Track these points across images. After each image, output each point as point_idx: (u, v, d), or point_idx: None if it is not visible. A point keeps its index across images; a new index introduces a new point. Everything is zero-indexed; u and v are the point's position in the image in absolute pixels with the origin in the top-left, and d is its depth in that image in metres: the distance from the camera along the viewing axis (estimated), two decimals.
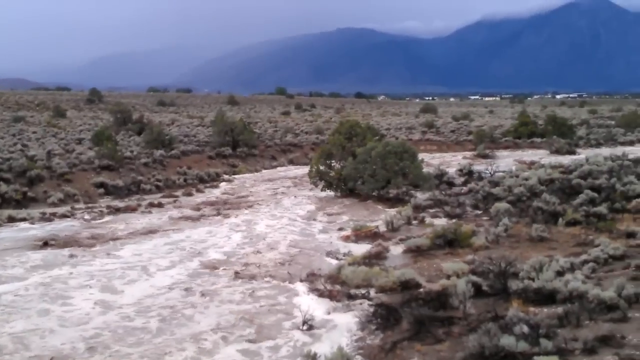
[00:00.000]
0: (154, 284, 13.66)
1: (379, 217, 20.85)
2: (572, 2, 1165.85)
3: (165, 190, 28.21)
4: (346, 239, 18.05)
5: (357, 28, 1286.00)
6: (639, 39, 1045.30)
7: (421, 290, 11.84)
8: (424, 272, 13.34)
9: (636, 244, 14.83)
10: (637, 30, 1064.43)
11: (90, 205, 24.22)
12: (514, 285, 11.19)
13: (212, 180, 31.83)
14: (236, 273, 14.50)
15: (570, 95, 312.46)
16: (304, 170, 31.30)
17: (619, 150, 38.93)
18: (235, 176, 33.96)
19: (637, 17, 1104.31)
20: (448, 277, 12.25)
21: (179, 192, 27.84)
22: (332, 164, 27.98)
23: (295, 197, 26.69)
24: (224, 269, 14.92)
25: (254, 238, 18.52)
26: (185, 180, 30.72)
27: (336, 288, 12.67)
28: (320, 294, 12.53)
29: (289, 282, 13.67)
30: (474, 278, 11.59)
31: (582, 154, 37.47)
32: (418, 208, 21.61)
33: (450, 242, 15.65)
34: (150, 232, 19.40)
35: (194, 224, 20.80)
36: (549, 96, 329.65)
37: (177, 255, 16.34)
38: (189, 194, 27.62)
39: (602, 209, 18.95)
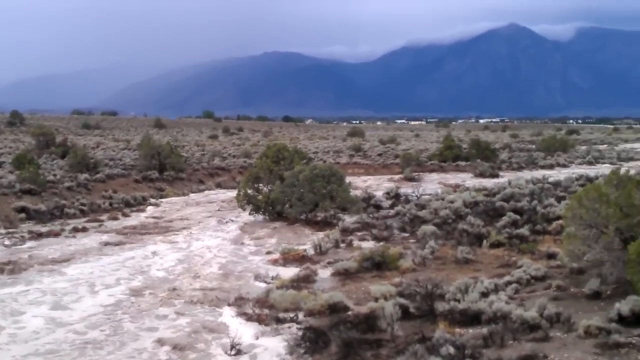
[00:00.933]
0: (72, 313, 13.28)
1: (307, 240, 20.86)
2: (492, 29, 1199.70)
3: (90, 215, 27.57)
4: (274, 262, 17.99)
5: (284, 52, 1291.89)
6: (556, 66, 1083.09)
7: (349, 313, 11.88)
8: (352, 295, 13.39)
9: (556, 264, 15.25)
10: (554, 58, 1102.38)
11: (10, 230, 23.45)
12: (441, 306, 11.35)
13: (139, 204, 31.27)
14: (162, 298, 14.27)
15: (493, 120, 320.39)
16: (232, 193, 31.12)
17: (539, 173, 40.16)
18: (163, 200, 33.46)
19: (555, 44, 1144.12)
20: (376, 299, 12.33)
21: (104, 217, 27.26)
22: (260, 188, 27.89)
23: (223, 221, 26.47)
24: (150, 294, 14.67)
25: (181, 262, 18.29)
26: (110, 204, 30.10)
27: (264, 312, 12.60)
28: (249, 318, 12.45)
29: (217, 307, 13.53)
30: (402, 300, 11.69)
31: (505, 177, 38.41)
32: (346, 231, 21.71)
33: (378, 265, 15.76)
34: (74, 257, 18.93)
35: (119, 248, 20.40)
36: (473, 120, 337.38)
37: (99, 281, 15.98)
38: (115, 218, 27.08)
39: (525, 230, 19.46)
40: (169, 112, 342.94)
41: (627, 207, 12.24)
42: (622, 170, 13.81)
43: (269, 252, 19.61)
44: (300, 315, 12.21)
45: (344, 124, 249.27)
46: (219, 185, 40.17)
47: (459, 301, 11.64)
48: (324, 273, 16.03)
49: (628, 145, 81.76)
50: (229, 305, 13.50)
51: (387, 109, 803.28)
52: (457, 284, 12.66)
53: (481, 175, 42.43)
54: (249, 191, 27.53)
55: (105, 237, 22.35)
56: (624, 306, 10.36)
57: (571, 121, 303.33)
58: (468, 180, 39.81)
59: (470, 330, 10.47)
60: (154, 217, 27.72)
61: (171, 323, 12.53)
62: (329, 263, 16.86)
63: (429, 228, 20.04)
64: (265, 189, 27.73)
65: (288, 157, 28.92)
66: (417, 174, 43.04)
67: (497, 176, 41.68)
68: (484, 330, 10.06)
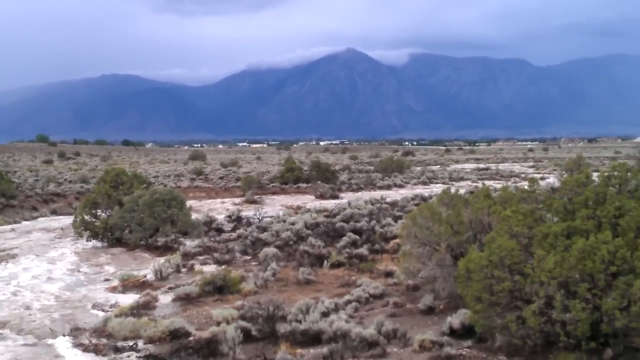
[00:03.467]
0: None
1: (148, 266, 20.36)
2: (331, 54, 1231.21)
3: None
4: (113, 289, 17.41)
5: (123, 74, 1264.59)
6: (391, 90, 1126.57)
7: (191, 338, 11.70)
8: (193, 320, 13.21)
9: (394, 282, 15.78)
10: (390, 82, 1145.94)
11: None
12: (282, 328, 11.41)
13: None
14: None
15: (333, 142, 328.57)
16: (69, 220, 29.84)
17: (377, 194, 41.35)
18: None
19: (390, 69, 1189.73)
20: (218, 323, 12.24)
21: None
22: (98, 214, 26.97)
23: (58, 248, 25.33)
24: None
25: (12, 292, 17.29)
26: None
27: (102, 341, 12.15)
28: (85, 349, 11.94)
29: (51, 338, 12.89)
30: (243, 323, 11.66)
31: (345, 198, 39.29)
32: (187, 255, 21.40)
33: (220, 289, 15.65)
34: None
35: None
36: (314, 143, 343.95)
37: None
38: None
39: (364, 250, 20.00)
40: None
41: (457, 225, 12.87)
42: (452, 190, 14.52)
43: (107, 280, 18.96)
44: (140, 343, 11.87)
45: (185, 147, 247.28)
46: (54, 212, 38.37)
47: (300, 322, 11.76)
48: (165, 299, 15.71)
49: (459, 166, 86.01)
50: (64, 336, 12.89)
51: (228, 132, 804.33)
52: (299, 304, 12.78)
53: (322, 196, 43.12)
54: (87, 217, 26.53)
55: None
56: (455, 319, 10.88)
57: (407, 143, 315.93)
58: (309, 201, 40.38)
59: (312, 350, 10.59)
60: None
61: None
62: (170, 288, 16.54)
63: (270, 250, 20.15)
64: (103, 214, 26.84)
65: (127, 181, 28.20)
66: (258, 196, 43.13)
67: (337, 197, 42.49)
68: (325, 349, 10.21)
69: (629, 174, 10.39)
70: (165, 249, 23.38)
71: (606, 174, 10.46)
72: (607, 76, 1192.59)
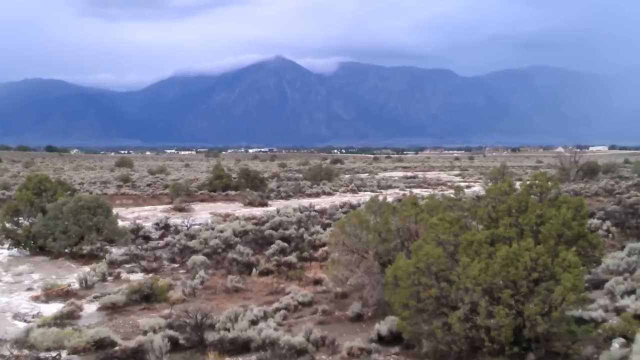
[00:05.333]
0: None
1: (72, 274, 19.91)
2: (260, 61, 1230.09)
3: None
4: (36, 299, 16.96)
5: (47, 79, 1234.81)
6: (320, 98, 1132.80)
7: (116, 348, 11.50)
8: (120, 330, 12.99)
9: (322, 289, 15.86)
10: (319, 90, 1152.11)
11: None
12: (211, 336, 11.34)
13: None
14: None
15: (262, 150, 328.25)
16: None
17: (306, 201, 41.41)
18: None
19: (319, 77, 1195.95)
20: (145, 333, 12.07)
21: None
22: (20, 221, 26.23)
23: None
24: None
25: None
26: None
27: (24, 353, 11.82)
28: None
29: None
30: (171, 332, 11.53)
31: (274, 206, 39.23)
32: (114, 264, 21.03)
33: (147, 297, 15.44)
34: None
35: None
36: (243, 150, 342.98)
37: None
38: None
39: (292, 258, 20.04)
40: None
41: (384, 233, 13.03)
42: (380, 198, 14.70)
43: (29, 289, 18.45)
44: (64, 354, 11.60)
45: (112, 154, 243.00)
46: None
47: (228, 330, 11.70)
48: (90, 308, 15.39)
49: (387, 174, 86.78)
50: None
51: (156, 138, 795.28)
52: (227, 313, 12.73)
53: (250, 204, 42.96)
54: (8, 225, 25.78)
55: None
56: (382, 326, 11.01)
57: (335, 151, 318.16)
58: (238, 209, 40.18)
59: (240, 359, 10.56)
60: None
61: None
62: (95, 297, 16.20)
63: (199, 258, 19.98)
64: (26, 222, 26.12)
65: (51, 188, 27.53)
66: (187, 204, 42.67)
67: (266, 205, 42.40)
68: (253, 358, 10.21)
69: (549, 183, 10.71)
70: (91, 258, 22.90)
71: (528, 182, 10.76)
72: (530, 87, 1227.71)
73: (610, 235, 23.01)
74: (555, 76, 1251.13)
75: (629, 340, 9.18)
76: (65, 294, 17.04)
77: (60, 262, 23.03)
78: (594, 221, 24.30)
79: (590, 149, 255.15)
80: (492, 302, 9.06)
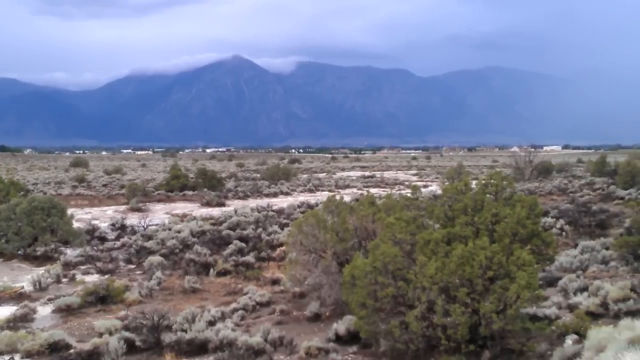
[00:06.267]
0: None
1: (26, 276, 19.59)
2: (217, 61, 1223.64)
3: None
4: None
5: None
6: (278, 97, 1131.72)
7: (71, 351, 11.35)
8: (75, 332, 12.82)
9: (280, 289, 15.86)
10: (276, 89, 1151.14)
11: None
12: (168, 338, 11.25)
13: None
14: None
15: (220, 149, 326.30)
16: None
17: (264, 201, 41.34)
18: None
19: (276, 77, 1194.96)
20: (100, 335, 11.95)
21: None
22: None
23: None
24: None
25: None
26: None
27: None
28: None
29: None
30: (127, 334, 11.43)
31: (232, 206, 39.08)
32: (68, 265, 20.75)
33: (102, 299, 15.28)
34: None
35: None
36: (200, 150, 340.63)
37: None
38: None
39: (250, 258, 20.03)
40: None
41: (342, 232, 13.07)
42: (338, 198, 14.73)
43: None
44: (17, 358, 11.41)
45: (67, 153, 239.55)
46: None
47: (186, 331, 11.64)
48: (45, 310, 15.17)
49: (345, 174, 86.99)
50: None
51: (112, 138, 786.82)
52: (184, 313, 12.66)
53: (208, 204, 42.73)
54: None
55: None
56: (340, 326, 11.04)
57: (293, 150, 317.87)
58: (195, 209, 39.93)
59: None
60: None
61: None
62: (49, 300, 15.97)
63: (155, 259, 19.83)
64: None
65: (3, 189, 27.15)
66: (143, 204, 42.30)
67: (223, 205, 42.21)
68: (211, 358, 10.17)
69: (504, 182, 10.84)
70: (45, 259, 22.56)
71: (483, 182, 10.89)
72: (486, 88, 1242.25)
73: (564, 233, 23.41)
74: (510, 77, 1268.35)
75: (581, 336, 9.34)
76: (18, 297, 16.77)
77: (13, 264, 22.65)
78: (548, 220, 24.69)
79: (545, 148, 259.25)
80: (448, 300, 9.15)
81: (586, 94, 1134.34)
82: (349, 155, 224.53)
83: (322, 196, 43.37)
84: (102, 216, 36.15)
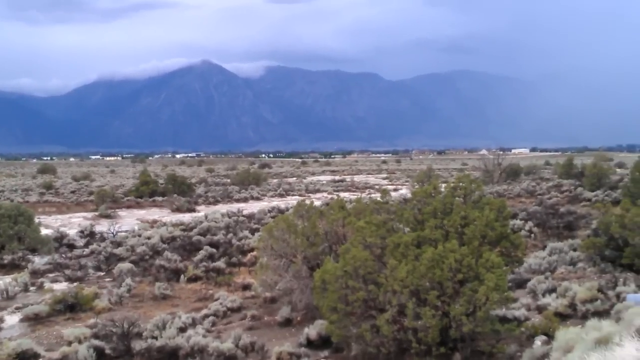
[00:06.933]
0: None
1: None
2: (186, 65, 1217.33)
3: None
4: None
5: None
6: (248, 102, 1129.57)
7: None
8: (43, 341, 12.68)
9: (251, 295, 15.82)
10: (246, 94, 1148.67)
11: None
12: (138, 345, 11.18)
13: None
14: None
15: (189, 155, 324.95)
16: None
17: (234, 207, 41.24)
18: None
19: (246, 82, 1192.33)
20: (69, 343, 11.82)
21: None
22: None
23: None
24: None
25: None
26: None
27: None
28: None
29: None
30: (97, 342, 11.33)
31: (202, 212, 38.94)
32: (36, 273, 20.51)
33: (71, 307, 15.13)
34: None
35: None
36: (170, 155, 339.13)
37: None
38: None
39: (221, 263, 19.96)
40: None
41: (312, 237, 13.09)
42: (308, 202, 14.75)
43: None
44: None
45: (34, 160, 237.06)
46: None
47: (156, 338, 11.56)
48: (12, 319, 14.98)
49: (315, 178, 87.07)
50: None
51: (80, 144, 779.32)
52: (155, 320, 12.58)
53: (178, 210, 42.55)
54: None
55: None
56: (312, 330, 11.05)
57: (263, 155, 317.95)
58: (165, 215, 39.73)
59: None
60: None
61: None
62: (17, 308, 15.77)
63: (125, 265, 19.68)
64: None
65: None
66: (113, 210, 41.99)
67: (194, 210, 42.05)
68: None
69: (473, 185, 10.94)
70: (12, 267, 22.28)
71: (452, 185, 10.97)
72: (454, 91, 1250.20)
73: (532, 235, 23.65)
74: (477, 80, 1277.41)
75: (550, 337, 9.44)
76: None
77: None
78: (517, 222, 24.91)
79: (513, 151, 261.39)
80: (419, 303, 9.20)
81: (553, 97, 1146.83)
82: (319, 159, 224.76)
83: (292, 201, 43.37)
84: (71, 223, 35.81)
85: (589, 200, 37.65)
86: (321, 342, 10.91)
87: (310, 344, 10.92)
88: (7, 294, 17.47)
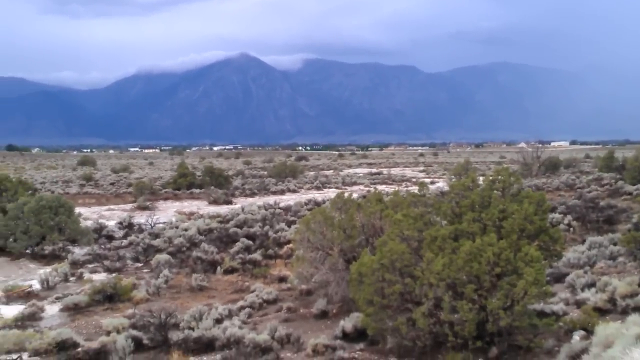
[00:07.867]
0: None
1: (34, 275, 19.65)
2: (224, 59, 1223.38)
3: None
4: None
5: (7, 77, 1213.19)
6: (285, 95, 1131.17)
7: (79, 349, 11.35)
8: (82, 330, 12.84)
9: (287, 287, 15.84)
10: (283, 87, 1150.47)
11: None
12: (175, 336, 11.25)
13: None
14: None
15: (227, 147, 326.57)
16: None
17: (271, 199, 41.35)
18: None
19: (283, 74, 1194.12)
20: (108, 333, 11.94)
21: None
22: None
23: None
24: None
25: None
26: None
27: None
28: None
29: None
30: (134, 332, 11.43)
31: (238, 204, 39.11)
32: (76, 264, 20.80)
33: (110, 297, 15.29)
34: None
35: None
36: (207, 148, 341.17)
37: None
38: None
39: (257, 255, 20.01)
40: None
41: (349, 229, 13.04)
42: (345, 195, 14.70)
43: None
44: (25, 356, 11.43)
45: (75, 152, 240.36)
46: None
47: (193, 329, 11.64)
48: (52, 309, 15.20)
49: (351, 171, 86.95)
50: None
51: (120, 137, 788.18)
52: (192, 311, 12.66)
53: (215, 202, 42.76)
54: None
55: None
56: (347, 323, 11.01)
57: (300, 148, 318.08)
58: (202, 207, 39.98)
59: (205, 358, 10.51)
60: None
61: None
62: (57, 298, 15.99)
63: (163, 257, 19.85)
64: None
65: (11, 188, 27.16)
66: (151, 202, 42.37)
67: (230, 203, 42.23)
68: (218, 356, 10.15)
69: (511, 178, 10.79)
70: (53, 258, 22.62)
71: (491, 178, 10.83)
72: (492, 83, 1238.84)
73: (571, 229, 23.32)
74: (517, 72, 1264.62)
75: (589, 332, 9.29)
76: (26, 295, 16.81)
77: (21, 263, 22.71)
78: (556, 215, 24.60)
79: (552, 144, 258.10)
80: (455, 297, 9.11)
81: (594, 89, 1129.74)
82: (356, 152, 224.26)
83: (329, 193, 43.38)
84: (110, 215, 36.23)
85: (630, 194, 36.96)
86: (357, 335, 10.87)
87: (345, 336, 10.89)
88: (48, 284, 17.73)
